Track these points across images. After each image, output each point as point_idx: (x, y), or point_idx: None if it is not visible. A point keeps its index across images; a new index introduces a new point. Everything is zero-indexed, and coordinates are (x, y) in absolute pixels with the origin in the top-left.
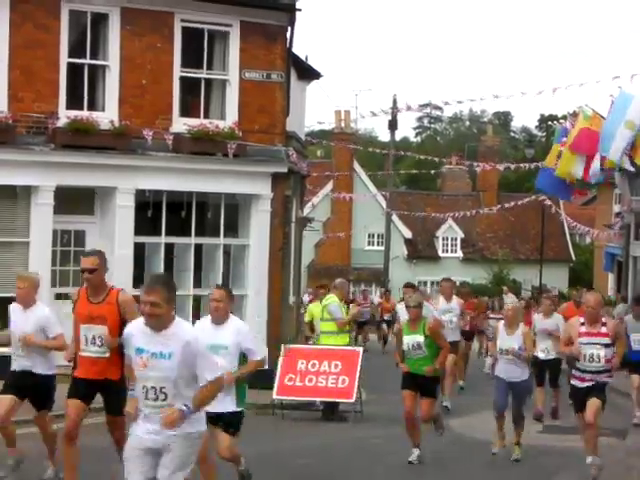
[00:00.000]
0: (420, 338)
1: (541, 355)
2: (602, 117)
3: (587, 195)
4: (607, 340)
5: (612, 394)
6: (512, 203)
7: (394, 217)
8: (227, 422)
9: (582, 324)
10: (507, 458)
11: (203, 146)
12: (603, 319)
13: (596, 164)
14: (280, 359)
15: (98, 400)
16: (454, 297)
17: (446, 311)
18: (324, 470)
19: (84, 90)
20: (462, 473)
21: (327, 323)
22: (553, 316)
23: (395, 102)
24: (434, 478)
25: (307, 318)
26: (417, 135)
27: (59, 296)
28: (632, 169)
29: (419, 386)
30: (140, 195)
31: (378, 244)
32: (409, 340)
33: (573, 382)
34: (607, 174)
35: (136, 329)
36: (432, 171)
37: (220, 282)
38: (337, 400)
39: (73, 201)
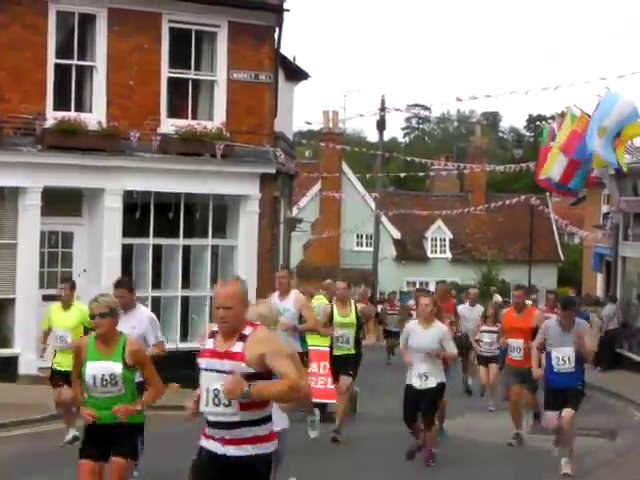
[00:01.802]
0: (116, 367)
1: (416, 383)
2: (590, 117)
3: (576, 195)
4: (243, 367)
5: (602, 395)
6: (500, 202)
7: (383, 218)
8: None
9: (213, 333)
10: (496, 459)
11: (191, 147)
12: (246, 329)
13: (579, 172)
14: None
15: None
16: (293, 293)
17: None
18: (313, 470)
19: (71, 91)
20: (452, 473)
21: None
22: (434, 326)
23: (383, 103)
24: (423, 476)
25: (45, 325)
26: (405, 135)
27: (46, 297)
28: (614, 170)
29: (109, 443)
30: (128, 196)
31: (367, 245)
32: (95, 370)
33: (202, 443)
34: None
35: None
36: (420, 173)
37: (208, 284)
38: (326, 401)
39: (61, 202)
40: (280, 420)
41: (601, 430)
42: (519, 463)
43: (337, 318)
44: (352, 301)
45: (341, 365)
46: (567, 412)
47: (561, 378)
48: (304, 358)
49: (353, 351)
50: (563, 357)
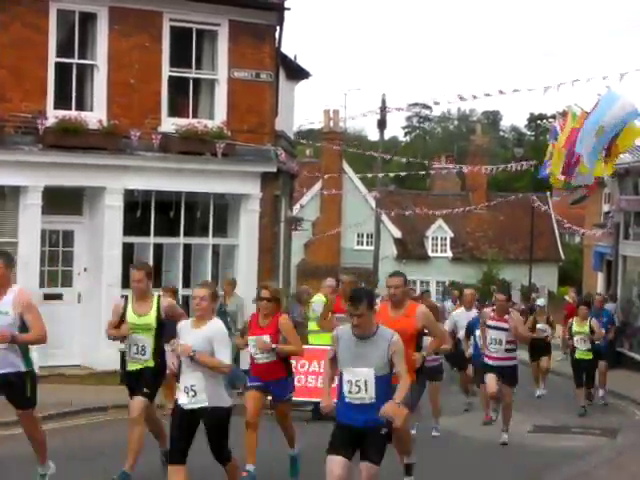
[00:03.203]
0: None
1: (183, 400)
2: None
3: (595, 189)
4: None
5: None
6: (499, 200)
7: (383, 217)
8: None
9: None
10: (496, 457)
11: (192, 146)
12: None
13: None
14: None
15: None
16: (14, 288)
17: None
18: (313, 470)
19: (72, 90)
20: (451, 472)
21: (314, 322)
22: (209, 323)
23: (384, 102)
24: (423, 476)
25: None
26: (406, 134)
27: (47, 296)
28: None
29: None
30: (129, 195)
31: (367, 244)
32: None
33: None
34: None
35: None
36: (421, 172)
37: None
38: None
39: (61, 201)
40: None
41: (601, 429)
42: (519, 463)
43: (131, 317)
44: (155, 296)
45: (134, 383)
46: (365, 469)
47: (354, 413)
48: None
49: (151, 363)
50: (357, 381)
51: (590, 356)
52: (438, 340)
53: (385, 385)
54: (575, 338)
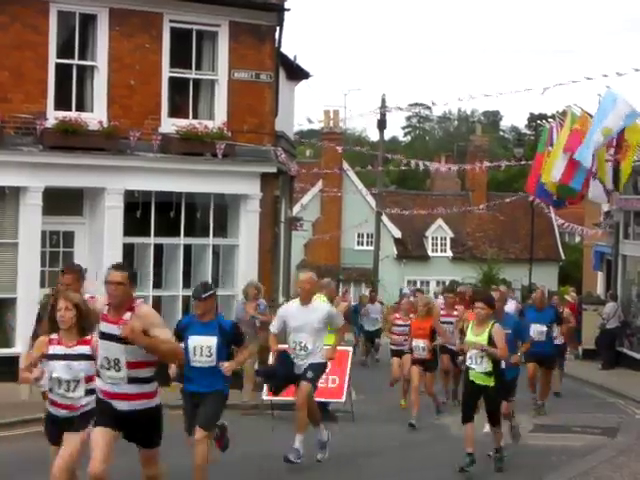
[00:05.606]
0: None
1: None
2: (590, 116)
3: (579, 202)
4: None
5: (603, 393)
6: (499, 201)
7: (383, 217)
8: None
9: None
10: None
11: (192, 146)
12: None
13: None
14: (270, 360)
15: None
16: None
17: None
18: (314, 470)
19: (72, 91)
20: (451, 471)
21: None
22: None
23: (384, 102)
24: (423, 475)
25: None
26: (406, 135)
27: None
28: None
29: None
30: (129, 196)
31: (368, 244)
32: None
33: None
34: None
35: None
36: (421, 167)
37: (210, 283)
38: (327, 400)
39: (62, 202)
40: None
41: (600, 428)
42: (519, 463)
43: None
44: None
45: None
46: None
47: None
48: None
49: None
50: None
51: (490, 382)
52: None
53: None
54: (469, 353)
